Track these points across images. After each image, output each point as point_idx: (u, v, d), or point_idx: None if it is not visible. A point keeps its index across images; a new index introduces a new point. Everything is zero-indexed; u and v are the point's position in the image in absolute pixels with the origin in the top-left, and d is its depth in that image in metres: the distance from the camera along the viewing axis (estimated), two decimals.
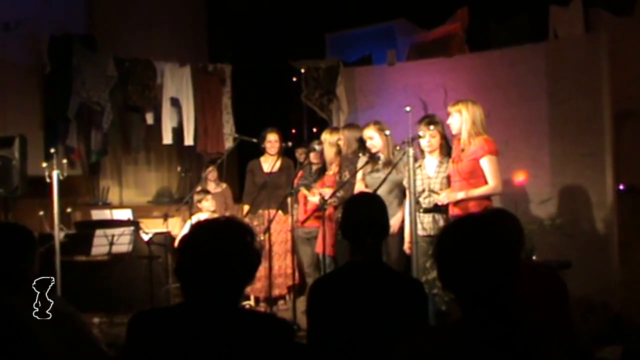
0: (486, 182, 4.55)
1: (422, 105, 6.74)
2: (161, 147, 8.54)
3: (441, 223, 4.77)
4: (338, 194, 5.37)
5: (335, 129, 6.02)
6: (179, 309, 1.96)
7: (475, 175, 4.56)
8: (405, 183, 4.97)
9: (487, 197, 4.56)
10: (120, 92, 7.78)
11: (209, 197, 6.72)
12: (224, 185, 7.46)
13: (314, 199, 5.65)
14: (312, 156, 6.29)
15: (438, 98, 6.58)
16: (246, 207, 6.44)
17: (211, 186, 7.32)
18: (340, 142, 5.64)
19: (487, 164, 4.53)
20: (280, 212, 6.11)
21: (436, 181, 4.83)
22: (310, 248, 6.03)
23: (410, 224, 4.45)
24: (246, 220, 6.13)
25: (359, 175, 5.34)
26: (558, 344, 1.88)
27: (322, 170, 6.00)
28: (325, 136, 5.83)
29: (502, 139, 6.20)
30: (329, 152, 5.77)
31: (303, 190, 5.90)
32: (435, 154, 4.91)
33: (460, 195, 4.58)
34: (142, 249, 6.19)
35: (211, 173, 7.31)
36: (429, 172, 4.86)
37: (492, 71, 6.55)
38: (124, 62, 7.68)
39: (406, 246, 4.91)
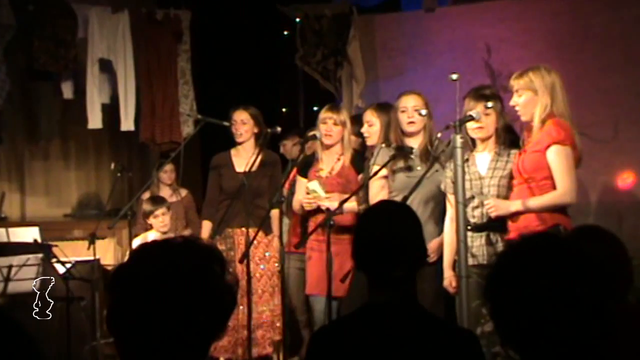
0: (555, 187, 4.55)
1: (477, 71, 6.72)
2: (85, 134, 8.51)
3: (499, 248, 4.77)
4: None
5: (336, 109, 5.98)
6: None
7: (540, 176, 4.56)
8: (443, 187, 4.96)
9: (558, 209, 4.56)
10: (21, 51, 7.77)
11: (163, 210, 6.58)
12: (184, 192, 7.43)
13: (329, 205, 5.52)
14: (311, 147, 6.21)
15: (502, 60, 6.56)
16: (207, 224, 6.39)
17: (166, 192, 7.27)
18: (367, 130, 5.59)
19: (554, 158, 4.51)
20: (261, 232, 6.03)
21: (491, 183, 4.84)
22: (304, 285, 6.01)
23: (458, 248, 4.44)
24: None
25: (381, 173, 5.32)
26: None
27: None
28: (329, 114, 5.80)
29: (600, 121, 6.19)
30: (334, 137, 5.74)
31: (313, 190, 5.73)
32: (490, 144, 4.91)
33: (516, 205, 4.57)
34: (56, 287, 6.14)
35: (167, 173, 7.30)
36: (480, 170, 4.87)
37: (583, 20, 6.54)
38: (25, 5, 7.66)
39: (446, 282, 4.91)
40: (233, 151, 6.43)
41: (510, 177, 4.79)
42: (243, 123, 6.32)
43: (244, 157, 6.27)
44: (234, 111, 6.35)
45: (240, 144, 6.35)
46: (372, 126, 5.56)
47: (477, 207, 4.78)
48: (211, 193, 6.48)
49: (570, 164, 4.53)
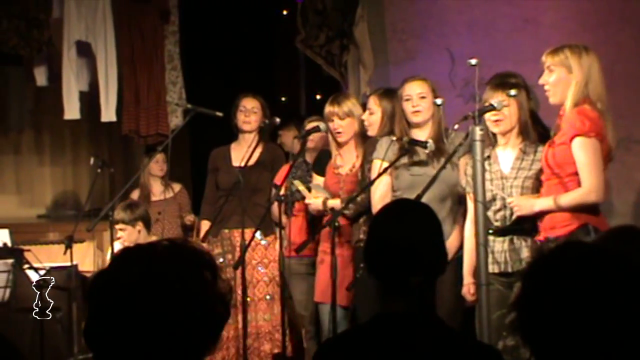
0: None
1: (499, 55, 6.70)
2: (61, 125, 8.56)
3: (524, 253, 4.81)
4: (358, 199, 5.39)
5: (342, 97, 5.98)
6: None
7: (567, 171, 4.56)
8: (463, 185, 4.99)
9: (587, 208, 4.55)
10: None
11: (124, 227, 6.41)
12: (177, 187, 7.48)
13: (315, 202, 5.64)
14: (314, 141, 6.23)
15: (527, 43, 6.54)
16: (205, 224, 6.47)
17: (157, 187, 7.34)
18: (368, 118, 5.58)
19: (578, 152, 4.50)
20: (258, 234, 6.14)
21: (514, 184, 4.85)
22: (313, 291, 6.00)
23: (477, 252, 4.44)
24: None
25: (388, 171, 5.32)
26: None
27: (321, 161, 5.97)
28: (331, 109, 5.78)
29: (637, 111, 6.16)
30: (346, 132, 5.72)
31: (298, 186, 5.82)
32: (512, 139, 4.92)
33: (540, 204, 4.57)
34: (28, 296, 6.13)
35: (159, 163, 7.31)
36: (503, 169, 4.87)
37: None
38: None
39: (465, 289, 4.93)
40: (233, 144, 6.52)
41: (536, 177, 4.80)
42: (254, 112, 6.41)
43: (244, 151, 6.30)
44: (244, 97, 6.45)
45: (245, 132, 6.40)
46: (373, 114, 5.57)
47: (499, 209, 4.80)
48: (209, 190, 6.58)
49: (596, 159, 4.50)
